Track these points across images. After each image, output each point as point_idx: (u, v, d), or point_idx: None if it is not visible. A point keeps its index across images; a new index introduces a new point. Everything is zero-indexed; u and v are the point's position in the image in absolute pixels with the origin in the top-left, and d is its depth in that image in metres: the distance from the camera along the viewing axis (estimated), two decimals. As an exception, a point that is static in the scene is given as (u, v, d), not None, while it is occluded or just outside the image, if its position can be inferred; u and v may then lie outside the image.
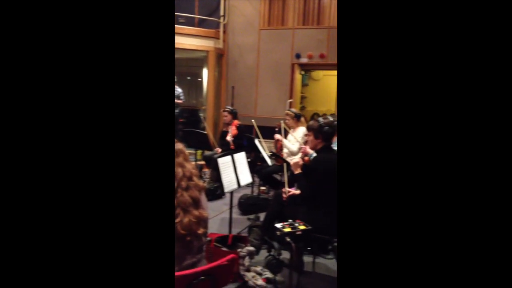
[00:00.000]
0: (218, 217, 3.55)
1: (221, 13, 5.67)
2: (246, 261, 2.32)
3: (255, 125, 4.09)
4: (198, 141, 4.30)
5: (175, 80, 6.04)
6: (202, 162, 4.93)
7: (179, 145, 1.57)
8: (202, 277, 1.36)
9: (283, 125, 3.67)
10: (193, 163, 1.66)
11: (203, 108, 6.12)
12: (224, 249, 2.34)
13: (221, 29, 5.68)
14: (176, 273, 1.36)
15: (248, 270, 2.31)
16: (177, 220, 1.41)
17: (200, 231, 1.49)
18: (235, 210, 3.67)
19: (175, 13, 5.44)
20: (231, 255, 1.49)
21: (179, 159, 1.52)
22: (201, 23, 5.76)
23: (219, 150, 4.45)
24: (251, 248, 2.38)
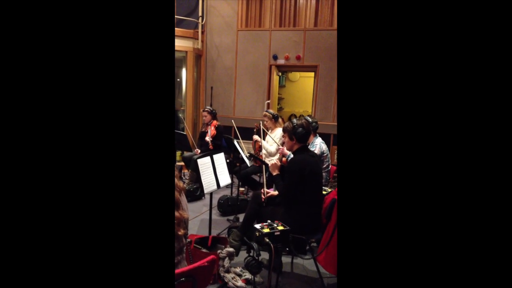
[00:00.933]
0: (197, 218, 3.54)
1: (200, 13, 5.65)
2: (226, 262, 2.34)
3: (234, 126, 4.10)
4: (178, 142, 4.27)
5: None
6: (182, 163, 4.90)
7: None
8: (182, 279, 1.37)
9: (261, 126, 3.71)
10: (177, 164, 1.66)
11: (182, 108, 6.07)
12: (204, 250, 2.35)
13: (200, 30, 5.66)
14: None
15: (228, 271, 2.33)
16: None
17: (181, 232, 1.50)
18: (215, 211, 3.68)
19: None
20: (211, 257, 1.50)
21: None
22: (179, 23, 5.71)
23: (198, 151, 4.44)
24: (231, 249, 2.39)
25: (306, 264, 2.69)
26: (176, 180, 1.56)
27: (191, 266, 1.43)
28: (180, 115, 6.36)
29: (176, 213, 1.49)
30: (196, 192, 4.01)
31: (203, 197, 4.09)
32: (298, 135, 2.42)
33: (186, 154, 4.60)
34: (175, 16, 5.68)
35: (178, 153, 5.06)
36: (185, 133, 4.55)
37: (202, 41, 5.78)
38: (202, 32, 5.75)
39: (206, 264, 1.46)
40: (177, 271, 1.42)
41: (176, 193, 1.53)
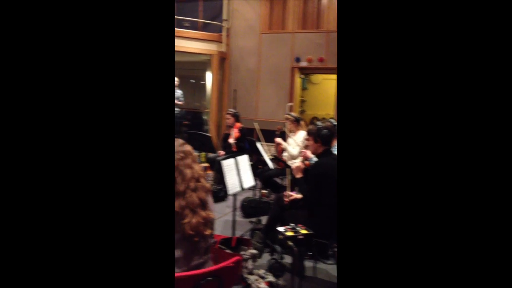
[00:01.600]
0: (221, 219, 3.58)
1: (224, 17, 5.73)
2: (249, 264, 2.36)
3: (257, 128, 4.13)
4: (202, 143, 4.34)
5: (178, 83, 6.10)
6: (206, 164, 4.97)
7: (187, 147, 1.61)
8: (209, 278, 1.39)
9: (285, 128, 3.71)
10: (201, 165, 1.69)
11: (206, 110, 6.17)
12: (228, 251, 2.37)
13: (224, 33, 5.74)
14: (184, 273, 1.40)
15: (251, 273, 2.34)
16: (185, 221, 1.45)
17: (207, 232, 1.53)
18: (238, 212, 3.70)
19: (180, 17, 5.50)
20: (236, 257, 1.52)
21: (187, 161, 1.55)
22: (204, 27, 5.82)
23: (222, 152, 4.49)
24: (254, 251, 2.41)
25: (329, 269, 2.66)
26: (203, 181, 1.59)
27: (217, 266, 1.45)
28: (204, 117, 6.46)
29: (203, 213, 1.52)
30: (219, 193, 4.06)
31: (226, 198, 4.13)
32: (322, 137, 2.41)
33: (210, 155, 4.67)
34: (200, 20, 5.79)
35: (203, 154, 5.14)
36: (209, 134, 4.62)
37: (227, 44, 5.85)
38: (227, 36, 5.82)
39: (232, 264, 1.48)
40: (203, 270, 1.46)
41: (203, 193, 1.56)
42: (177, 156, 1.53)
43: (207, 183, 1.63)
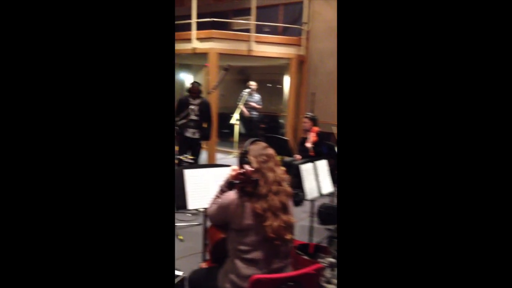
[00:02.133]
0: (297, 224, 3.54)
1: (304, 20, 5.69)
2: (327, 273, 2.28)
3: (335, 132, 4.00)
4: (279, 147, 4.36)
5: (255, 87, 6.24)
6: (283, 168, 4.98)
7: (270, 150, 1.62)
8: (290, 283, 1.37)
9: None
10: (283, 168, 1.68)
11: (283, 114, 6.20)
12: (306, 257, 2.33)
13: (304, 36, 5.70)
14: (264, 276, 1.40)
15: (329, 282, 2.26)
16: (267, 223, 1.45)
17: (288, 236, 1.51)
18: (314, 218, 3.62)
19: (260, 23, 5.64)
20: (317, 265, 1.48)
21: (270, 164, 1.56)
22: (284, 31, 5.86)
23: (299, 156, 4.45)
24: (333, 260, 2.32)
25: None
26: (284, 184, 1.58)
27: (299, 272, 1.42)
28: (281, 120, 6.50)
29: (284, 217, 1.51)
30: (296, 197, 4.02)
31: (302, 203, 4.07)
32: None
33: (286, 159, 4.66)
34: (280, 25, 5.85)
35: (278, 157, 5.17)
36: (286, 138, 4.62)
37: (306, 47, 5.81)
38: (306, 38, 5.78)
39: (313, 272, 1.44)
40: (284, 274, 1.44)
41: (285, 197, 1.55)
42: (259, 159, 1.55)
43: (289, 187, 1.61)
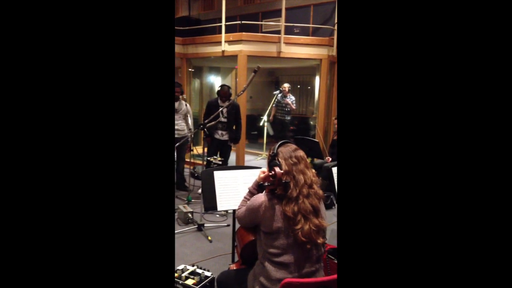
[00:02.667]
0: (329, 228, 3.46)
1: (336, 20, 5.59)
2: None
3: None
4: (309, 149, 4.29)
5: (289, 88, 6.20)
6: (314, 171, 4.90)
7: (300, 152, 1.58)
8: (322, 288, 1.32)
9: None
10: (314, 170, 1.63)
11: (313, 116, 6.11)
12: (337, 262, 2.25)
13: (335, 36, 5.60)
14: (295, 279, 1.36)
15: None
16: (298, 227, 1.41)
17: (320, 240, 1.46)
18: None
19: (290, 24, 5.60)
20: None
21: (300, 166, 1.52)
22: (314, 32, 5.78)
23: (330, 159, 4.36)
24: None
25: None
26: (316, 187, 1.54)
27: (331, 277, 1.37)
28: (311, 122, 6.41)
29: (316, 221, 1.46)
30: (326, 200, 3.94)
31: (333, 207, 3.98)
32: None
33: (317, 161, 4.58)
34: (311, 25, 5.78)
35: (308, 159, 5.09)
36: (317, 140, 4.54)
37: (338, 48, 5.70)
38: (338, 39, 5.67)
39: (346, 278, 1.38)
40: (315, 279, 1.39)
41: (316, 200, 1.50)
42: (290, 161, 1.51)
43: (320, 190, 1.56)
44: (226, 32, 5.36)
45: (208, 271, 2.20)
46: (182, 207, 3.65)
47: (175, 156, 4.57)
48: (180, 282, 2.07)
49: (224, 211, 3.36)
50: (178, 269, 2.22)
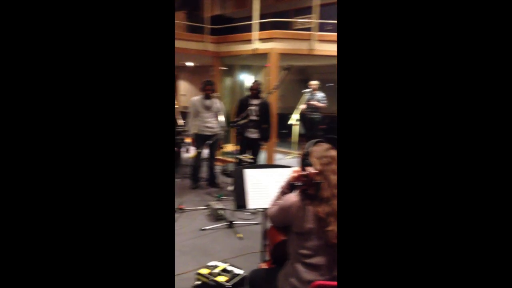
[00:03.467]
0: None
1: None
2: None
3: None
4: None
5: (318, 86, 6.12)
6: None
7: (333, 152, 1.55)
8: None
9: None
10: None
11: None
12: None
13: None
14: (327, 282, 1.34)
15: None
16: (329, 228, 1.40)
17: (352, 243, 1.44)
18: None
19: (322, 21, 5.51)
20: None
21: (333, 166, 1.50)
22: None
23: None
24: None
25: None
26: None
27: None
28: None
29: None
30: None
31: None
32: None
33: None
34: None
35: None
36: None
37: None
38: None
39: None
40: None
41: (349, 202, 1.48)
42: (322, 161, 1.49)
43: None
44: (258, 30, 5.37)
45: (240, 268, 2.23)
46: (213, 203, 3.72)
47: (208, 153, 4.66)
48: (212, 278, 2.11)
49: (254, 209, 3.39)
50: (209, 265, 2.26)
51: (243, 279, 2.14)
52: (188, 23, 6.38)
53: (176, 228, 3.39)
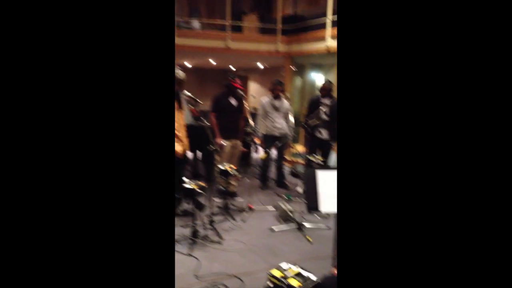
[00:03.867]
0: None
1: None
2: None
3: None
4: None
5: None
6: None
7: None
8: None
9: None
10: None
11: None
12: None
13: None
14: None
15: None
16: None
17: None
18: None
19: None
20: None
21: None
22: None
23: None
24: None
25: None
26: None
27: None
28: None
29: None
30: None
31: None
32: None
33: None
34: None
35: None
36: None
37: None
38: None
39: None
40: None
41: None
42: None
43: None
44: (331, 27, 5.20)
45: (310, 272, 2.15)
46: (282, 204, 3.68)
47: (276, 154, 4.65)
48: (285, 282, 2.07)
49: (326, 213, 3.26)
50: (281, 267, 2.23)
51: (317, 286, 2.06)
52: (259, 25, 6.45)
53: (245, 227, 3.43)
